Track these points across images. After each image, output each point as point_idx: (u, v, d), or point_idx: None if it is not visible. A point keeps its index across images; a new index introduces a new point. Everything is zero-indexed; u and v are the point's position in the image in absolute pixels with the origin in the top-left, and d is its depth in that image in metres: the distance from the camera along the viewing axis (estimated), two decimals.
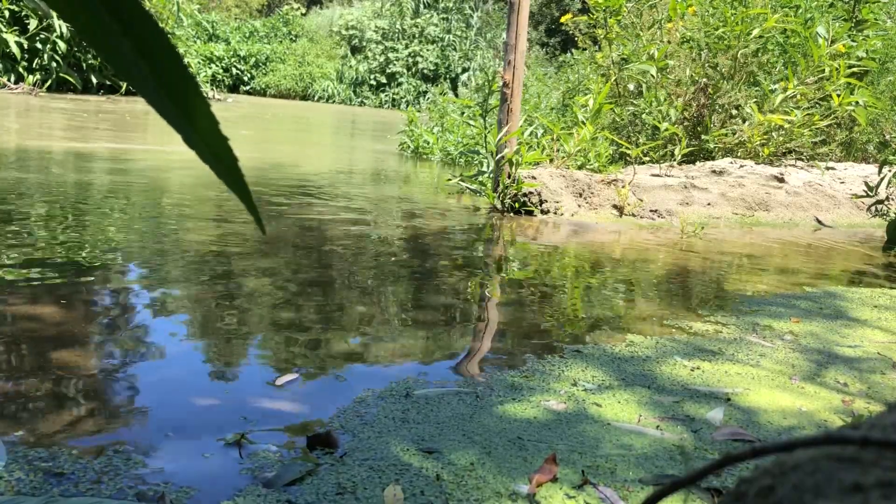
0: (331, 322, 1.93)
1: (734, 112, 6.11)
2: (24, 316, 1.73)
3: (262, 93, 24.99)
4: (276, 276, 2.34)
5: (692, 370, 1.79)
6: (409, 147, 7.83)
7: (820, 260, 3.65)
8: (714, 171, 5.44)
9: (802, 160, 6.31)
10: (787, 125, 5.74)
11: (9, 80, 11.79)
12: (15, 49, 11.49)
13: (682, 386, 1.68)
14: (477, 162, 5.51)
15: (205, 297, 2.05)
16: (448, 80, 23.30)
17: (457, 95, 15.33)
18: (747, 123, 5.87)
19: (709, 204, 4.82)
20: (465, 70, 24.62)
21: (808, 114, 5.86)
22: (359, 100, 25.30)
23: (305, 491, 1.09)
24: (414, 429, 1.33)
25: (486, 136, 4.71)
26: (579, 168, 5.01)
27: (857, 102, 5.85)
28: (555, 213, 4.26)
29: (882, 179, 4.74)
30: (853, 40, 6.30)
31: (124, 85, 13.47)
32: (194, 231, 2.90)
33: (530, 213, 4.25)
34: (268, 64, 25.63)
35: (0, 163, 4.23)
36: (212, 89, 18.29)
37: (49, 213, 2.96)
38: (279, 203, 3.81)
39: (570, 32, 7.96)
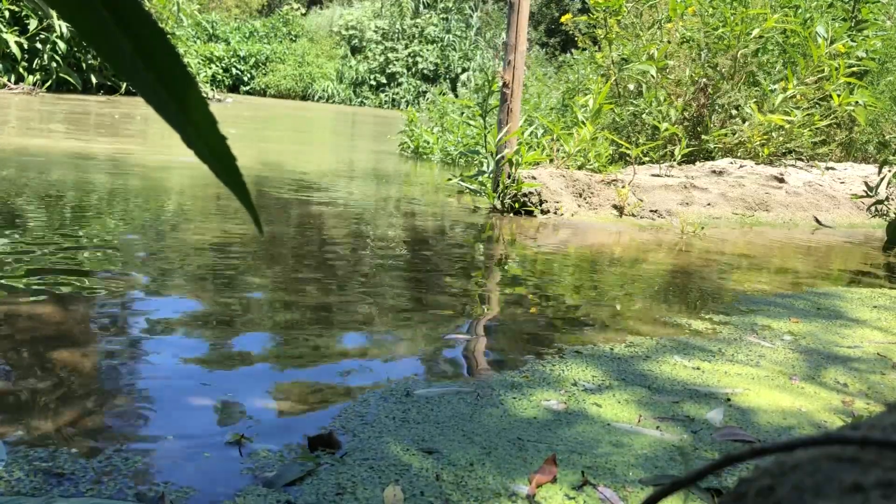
0: (331, 321, 1.93)
1: (734, 112, 6.11)
2: (24, 316, 1.73)
3: (262, 93, 24.99)
4: (276, 275, 2.34)
5: (692, 370, 1.79)
6: (409, 147, 7.84)
7: (819, 260, 3.65)
8: (714, 171, 5.44)
9: (802, 160, 6.31)
10: (787, 125, 5.74)
11: (9, 80, 11.79)
12: (15, 49, 11.49)
13: (681, 386, 1.68)
14: (477, 162, 5.51)
15: (204, 296, 2.05)
16: (448, 80, 23.32)
17: (456, 95, 15.34)
18: (747, 123, 5.87)
19: (709, 204, 4.82)
20: (464, 70, 24.63)
21: (808, 114, 5.86)
22: (359, 100, 25.31)
23: (305, 491, 1.09)
24: (414, 429, 1.33)
25: (486, 137, 4.71)
26: (579, 168, 5.02)
27: (856, 102, 5.85)
28: (555, 214, 4.26)
29: (882, 179, 4.74)
30: (853, 40, 6.30)
31: (124, 85, 13.47)
32: (193, 231, 2.90)
33: (530, 213, 4.25)
34: (268, 64, 25.63)
35: (0, 163, 4.23)
36: (211, 89, 18.29)
37: (49, 213, 2.96)
38: (279, 203, 3.81)
39: (570, 32, 7.96)
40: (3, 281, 1.97)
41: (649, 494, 0.35)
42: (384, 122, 14.88)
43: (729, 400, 1.61)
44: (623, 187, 4.50)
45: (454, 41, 25.26)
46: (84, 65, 13.06)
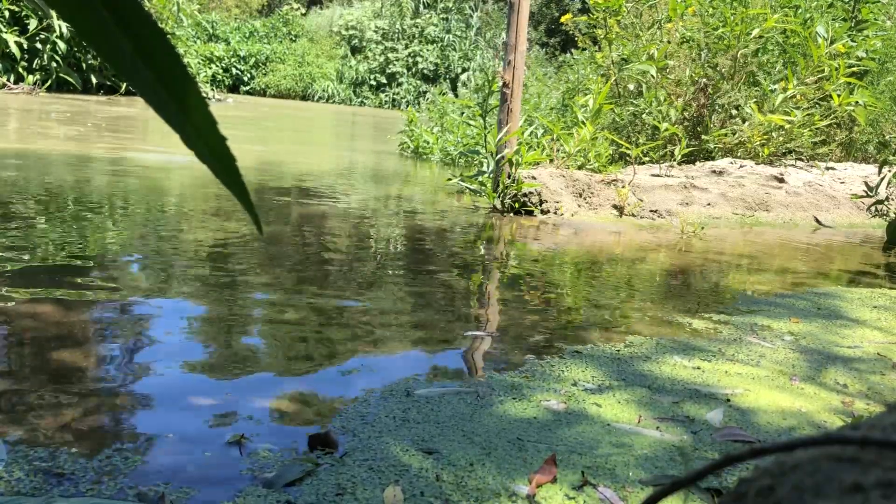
0: (331, 321, 1.93)
1: (734, 112, 6.11)
2: (24, 316, 1.73)
3: (262, 93, 24.99)
4: (276, 275, 2.34)
5: (692, 370, 1.79)
6: (409, 147, 7.84)
7: (819, 260, 3.65)
8: (714, 171, 5.44)
9: (802, 160, 6.31)
10: (787, 125, 5.74)
11: (9, 80, 11.79)
12: (15, 49, 11.49)
13: (681, 386, 1.68)
14: (477, 162, 5.51)
15: (204, 296, 2.05)
16: (448, 80, 23.32)
17: (456, 95, 15.35)
18: (747, 123, 5.87)
19: (709, 204, 4.82)
20: (464, 70, 24.63)
21: (808, 114, 5.86)
22: (359, 100, 25.31)
23: (305, 491, 1.09)
24: (414, 429, 1.33)
25: (485, 137, 4.71)
26: (579, 168, 5.02)
27: (856, 102, 5.85)
28: (555, 214, 4.26)
29: (882, 179, 4.74)
30: (853, 40, 6.30)
31: (124, 85, 13.47)
32: (193, 230, 2.90)
33: (530, 213, 4.25)
34: (268, 64, 25.64)
35: (0, 163, 4.23)
36: (211, 89, 18.29)
37: (49, 213, 2.96)
38: (278, 203, 3.81)
39: (570, 32, 7.96)
40: (3, 280, 1.97)
41: (649, 494, 0.35)
42: (384, 123, 14.88)
43: (729, 400, 1.61)
44: (623, 187, 4.50)
45: (454, 41, 25.26)
46: (84, 65, 13.06)
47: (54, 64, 12.28)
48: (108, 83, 13.63)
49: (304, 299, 2.11)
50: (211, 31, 25.87)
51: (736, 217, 4.83)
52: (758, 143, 5.84)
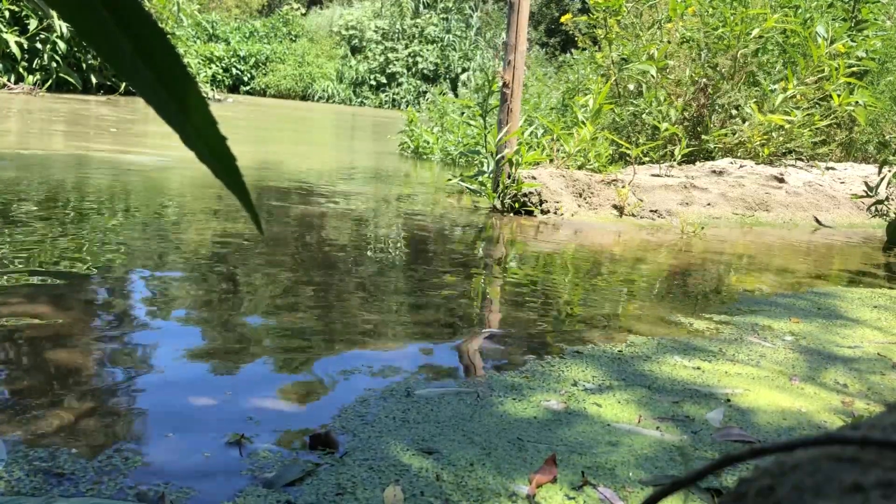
0: (331, 321, 1.93)
1: (734, 112, 6.11)
2: (23, 316, 1.73)
3: (262, 93, 24.99)
4: (276, 275, 2.34)
5: (692, 370, 1.79)
6: (409, 147, 7.84)
7: (819, 260, 3.65)
8: (714, 171, 5.44)
9: (802, 160, 6.31)
10: (787, 125, 5.74)
11: (9, 80, 11.79)
12: (15, 49, 11.49)
13: (681, 386, 1.68)
14: (477, 162, 5.51)
15: (204, 296, 2.05)
16: (448, 80, 23.30)
17: (456, 95, 15.33)
18: (747, 123, 5.87)
19: (709, 204, 4.82)
20: (464, 70, 24.62)
21: (808, 114, 5.86)
22: (359, 100, 25.31)
23: (305, 491, 1.09)
24: (414, 429, 1.33)
25: (486, 137, 4.71)
26: (579, 168, 5.01)
27: (856, 102, 5.85)
28: (555, 214, 4.25)
29: (882, 179, 4.74)
30: (853, 40, 6.30)
31: (124, 85, 13.47)
32: (193, 230, 2.90)
33: (530, 213, 4.25)
34: (268, 64, 25.63)
35: None
36: (211, 89, 18.29)
37: (49, 213, 2.96)
38: (278, 203, 3.81)
39: (570, 32, 7.96)
40: (3, 281, 1.97)
41: (649, 494, 0.35)
42: (384, 123, 14.88)
43: (729, 400, 1.61)
44: (623, 187, 4.50)
45: (454, 41, 25.26)
46: (84, 65, 13.05)
47: (54, 64, 12.28)
48: (108, 83, 13.63)
49: (304, 299, 2.11)
50: (211, 31, 25.86)
51: (736, 217, 4.83)
52: (758, 143, 5.84)
